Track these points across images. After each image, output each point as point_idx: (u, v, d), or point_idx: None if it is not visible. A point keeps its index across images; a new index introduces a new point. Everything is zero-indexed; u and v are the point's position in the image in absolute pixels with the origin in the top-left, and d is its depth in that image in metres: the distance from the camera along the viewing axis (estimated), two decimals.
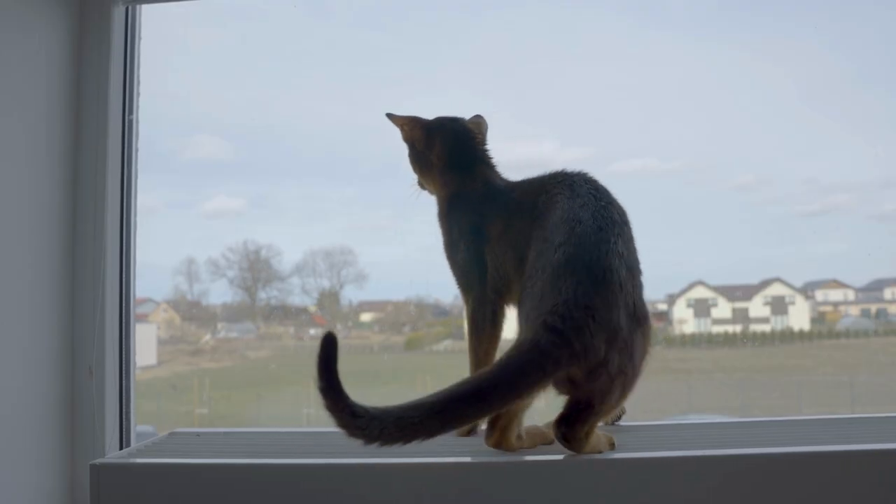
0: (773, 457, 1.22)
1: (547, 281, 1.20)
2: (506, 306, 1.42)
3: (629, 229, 1.31)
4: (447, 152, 1.52)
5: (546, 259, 1.23)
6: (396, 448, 1.09)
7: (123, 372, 1.77)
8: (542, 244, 1.27)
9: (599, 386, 1.16)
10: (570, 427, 1.20)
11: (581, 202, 1.29)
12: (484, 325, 1.41)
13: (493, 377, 1.11)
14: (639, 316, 1.21)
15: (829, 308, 5.08)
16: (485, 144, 1.56)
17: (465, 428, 1.44)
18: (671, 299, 5.10)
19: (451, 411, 1.10)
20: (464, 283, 1.45)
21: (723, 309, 5.10)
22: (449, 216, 1.49)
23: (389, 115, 1.57)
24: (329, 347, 1.10)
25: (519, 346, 1.14)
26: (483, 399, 1.11)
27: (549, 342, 1.12)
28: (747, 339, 5.12)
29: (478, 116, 1.59)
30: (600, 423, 1.27)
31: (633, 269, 1.25)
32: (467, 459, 1.27)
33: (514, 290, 1.37)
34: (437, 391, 1.11)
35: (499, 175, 1.52)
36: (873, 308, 4.99)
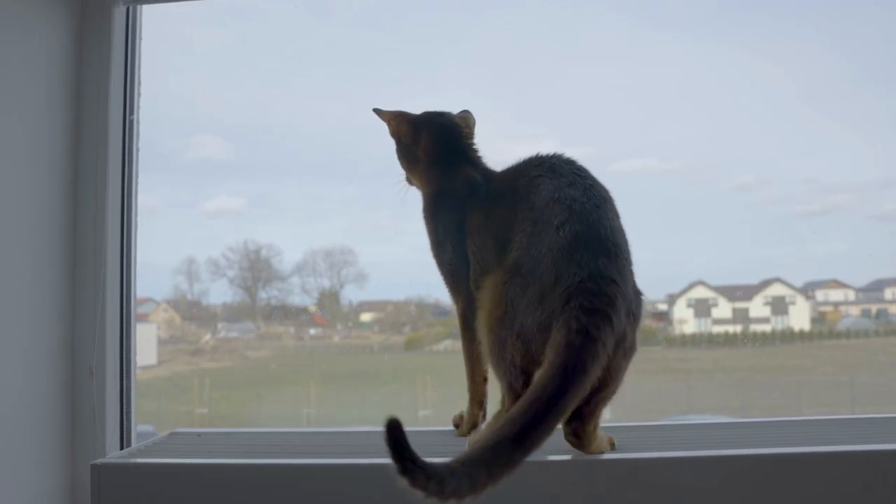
0: (773, 457, 1.22)
1: (558, 259, 1.17)
2: None
3: (615, 206, 1.30)
4: (433, 147, 1.50)
5: (548, 238, 1.20)
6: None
7: (124, 372, 1.77)
8: (533, 225, 1.24)
9: (616, 363, 1.15)
10: (582, 421, 1.20)
11: (567, 181, 1.28)
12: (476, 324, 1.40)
13: (560, 385, 1.05)
14: (637, 290, 1.22)
15: (829, 308, 5.09)
16: (472, 139, 1.54)
17: (467, 427, 1.45)
18: (671, 299, 5.10)
19: (533, 436, 1.01)
20: (452, 283, 1.44)
21: (723, 309, 5.10)
22: (435, 215, 1.48)
23: (377, 111, 1.56)
24: (396, 431, 1.00)
25: (569, 343, 1.07)
26: (558, 411, 1.04)
27: (595, 326, 1.09)
28: (747, 339, 5.12)
29: (465, 111, 1.57)
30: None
31: (628, 245, 1.25)
32: None
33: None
34: (507, 419, 1.02)
35: (485, 169, 1.50)
36: (874, 308, 4.99)
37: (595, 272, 1.14)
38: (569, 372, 1.06)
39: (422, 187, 1.52)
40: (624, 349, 1.15)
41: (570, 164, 1.34)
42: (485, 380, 1.43)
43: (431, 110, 1.56)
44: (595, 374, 1.08)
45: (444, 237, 1.44)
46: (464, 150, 1.51)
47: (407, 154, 1.53)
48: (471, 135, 1.54)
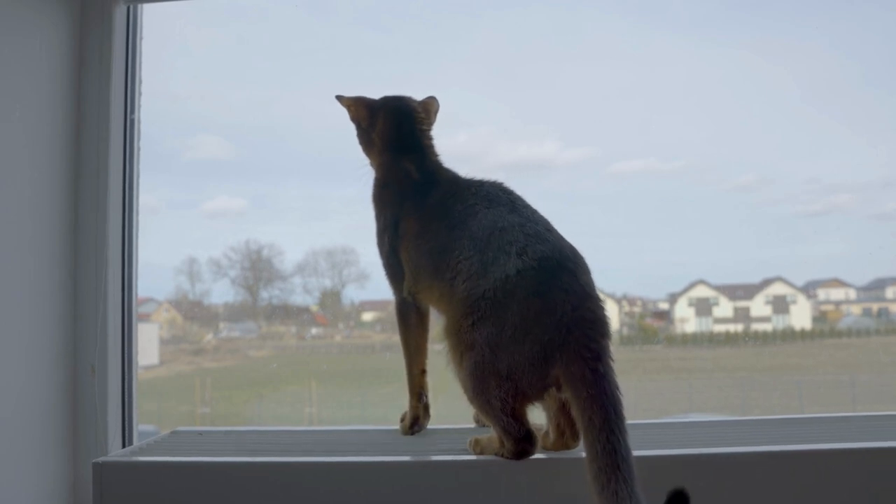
0: (774, 455, 1.22)
1: (533, 286, 1.19)
2: (427, 303, 1.42)
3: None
4: (388, 131, 1.50)
5: (509, 264, 1.21)
6: None
7: (125, 371, 1.77)
8: (481, 255, 1.25)
9: None
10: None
11: (507, 209, 1.30)
12: (411, 320, 1.43)
13: (614, 410, 1.13)
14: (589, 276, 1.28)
15: (830, 307, 5.08)
16: (428, 126, 1.53)
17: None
18: (673, 298, 5.10)
19: (630, 457, 1.11)
20: (391, 275, 1.46)
21: (724, 308, 5.09)
22: (380, 203, 1.49)
23: (339, 97, 1.56)
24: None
25: (594, 371, 1.15)
26: (625, 430, 1.13)
27: (603, 349, 1.17)
28: (749, 338, 5.12)
29: (430, 97, 1.56)
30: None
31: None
32: (468, 458, 1.27)
33: (434, 292, 1.34)
34: (600, 468, 1.10)
35: (432, 163, 1.49)
36: (875, 307, 4.98)
37: (583, 295, 1.19)
38: (612, 398, 1.13)
39: (375, 171, 1.53)
40: None
41: (506, 192, 1.36)
42: (423, 372, 1.45)
43: (391, 94, 1.55)
44: None
45: (383, 229, 1.46)
46: (417, 138, 1.50)
47: (364, 138, 1.54)
48: (427, 121, 1.53)
